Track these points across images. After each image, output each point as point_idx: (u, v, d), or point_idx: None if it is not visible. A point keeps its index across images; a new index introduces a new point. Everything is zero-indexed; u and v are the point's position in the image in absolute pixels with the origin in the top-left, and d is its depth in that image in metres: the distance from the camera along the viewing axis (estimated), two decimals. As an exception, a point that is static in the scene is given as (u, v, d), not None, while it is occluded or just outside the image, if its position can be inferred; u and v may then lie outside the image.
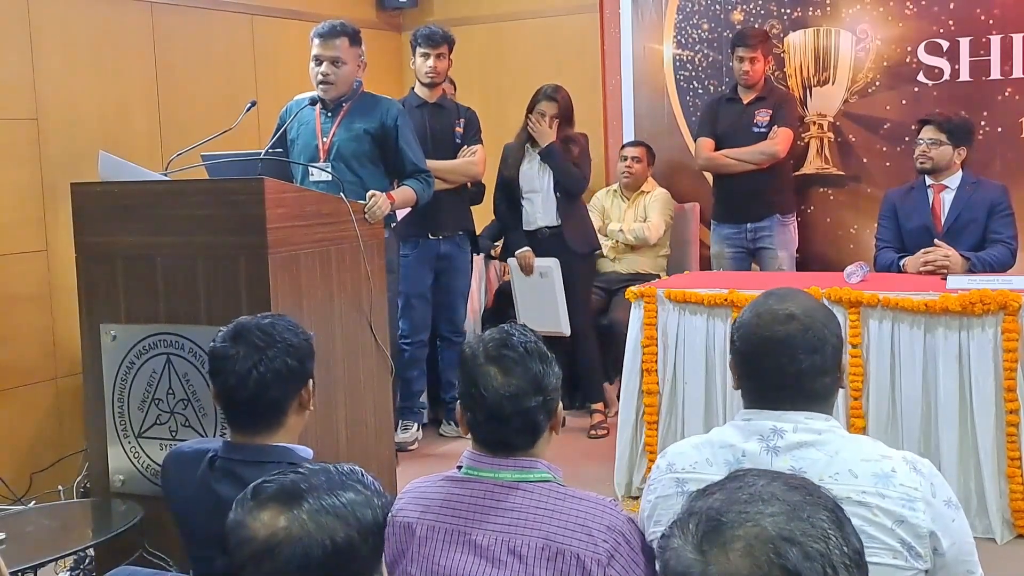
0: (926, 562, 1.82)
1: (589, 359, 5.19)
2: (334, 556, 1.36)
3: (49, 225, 4.46)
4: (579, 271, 5.18)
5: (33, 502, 4.09)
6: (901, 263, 4.39)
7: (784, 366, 1.90)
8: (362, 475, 1.48)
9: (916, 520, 1.80)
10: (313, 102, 4.31)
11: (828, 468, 1.84)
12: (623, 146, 5.75)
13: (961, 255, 4.24)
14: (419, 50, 5.03)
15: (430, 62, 5.01)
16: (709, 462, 1.94)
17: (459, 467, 1.99)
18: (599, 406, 5.18)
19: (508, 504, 1.90)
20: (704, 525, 1.12)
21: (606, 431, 5.02)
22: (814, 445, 1.86)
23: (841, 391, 2.16)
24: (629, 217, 5.59)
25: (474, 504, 1.92)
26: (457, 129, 5.11)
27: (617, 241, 5.55)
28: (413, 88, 5.17)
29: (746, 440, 1.91)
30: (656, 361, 4.13)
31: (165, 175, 3.55)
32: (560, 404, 2.02)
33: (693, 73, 5.81)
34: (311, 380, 2.28)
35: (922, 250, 4.34)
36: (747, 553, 1.09)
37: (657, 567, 1.15)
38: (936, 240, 4.34)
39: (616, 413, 4.64)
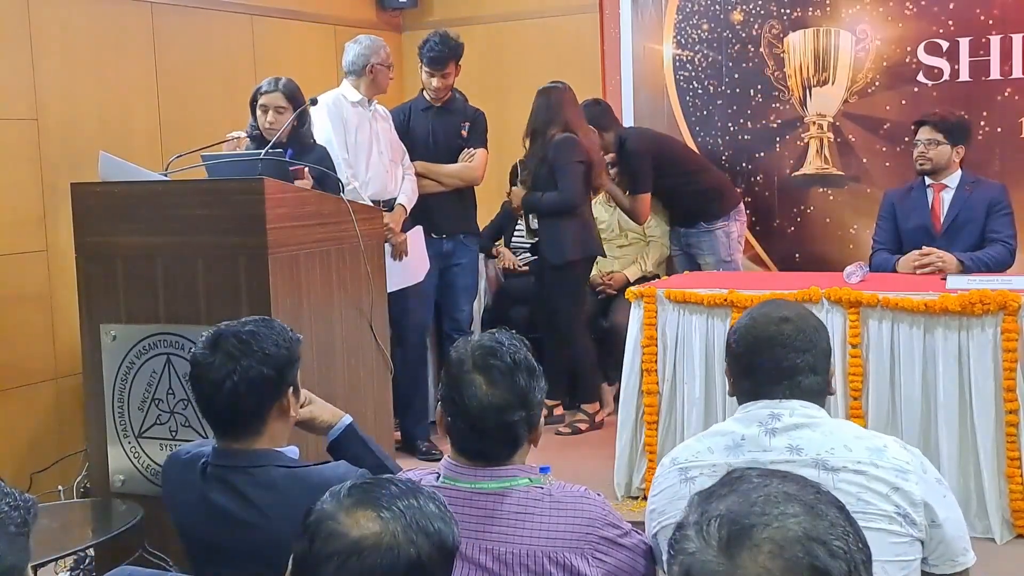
0: (920, 531, 1.90)
1: (582, 363, 5.15)
2: (415, 570, 1.37)
3: (49, 225, 4.46)
4: (551, 280, 5.07)
5: (33, 502, 4.08)
6: (895, 266, 4.39)
7: (779, 361, 2.03)
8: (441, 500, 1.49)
9: (910, 488, 1.90)
10: (313, 102, 4.35)
11: (824, 444, 1.95)
12: None
13: (956, 257, 4.23)
14: (424, 68, 5.02)
15: (435, 82, 5.00)
16: (710, 450, 2.04)
17: (437, 475, 1.98)
18: (591, 407, 5.18)
19: (488, 511, 1.89)
20: (727, 529, 1.11)
21: (578, 432, 5.06)
22: (809, 426, 1.98)
23: (840, 392, 2.22)
24: (616, 219, 5.63)
25: (453, 513, 1.92)
26: (462, 132, 5.12)
27: (626, 234, 5.57)
28: (422, 91, 5.17)
29: (746, 427, 2.02)
30: (656, 361, 4.13)
31: (165, 175, 3.55)
32: (542, 419, 2.00)
33: (693, 73, 5.81)
34: (292, 387, 2.23)
35: (915, 251, 4.33)
36: (777, 555, 1.08)
37: (675, 572, 1.13)
38: (924, 247, 4.33)
39: (610, 413, 4.63)
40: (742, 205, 5.45)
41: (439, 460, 4.70)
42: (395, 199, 4.74)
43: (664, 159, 5.33)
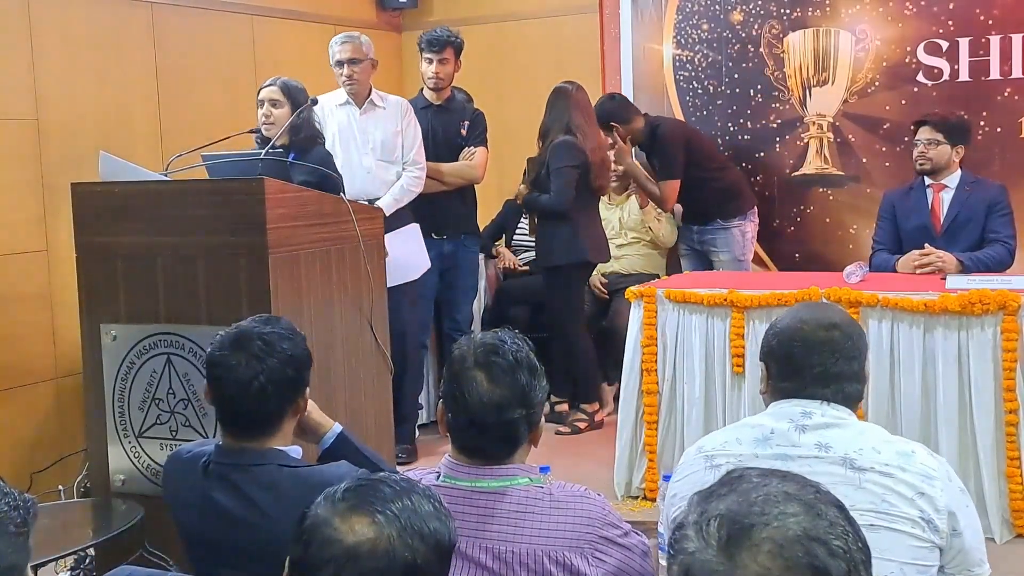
0: (942, 538, 1.92)
1: (581, 363, 5.15)
2: (411, 574, 1.37)
3: (49, 225, 4.46)
4: (546, 281, 5.13)
5: (33, 502, 4.08)
6: (894, 266, 4.39)
7: (828, 366, 2.05)
8: (439, 499, 1.48)
9: (935, 495, 1.92)
10: (314, 102, 4.34)
11: (853, 444, 1.97)
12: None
13: (956, 257, 4.23)
14: (423, 54, 5.06)
15: (433, 67, 5.03)
16: (739, 440, 2.07)
17: (437, 474, 1.98)
18: (591, 407, 5.18)
19: (487, 510, 1.90)
20: (727, 528, 1.11)
21: (578, 432, 5.06)
22: (839, 426, 2.01)
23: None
24: (617, 216, 5.63)
25: (453, 512, 1.92)
26: (462, 131, 5.13)
27: (626, 233, 5.58)
28: (422, 90, 5.19)
29: (776, 422, 2.05)
30: (656, 361, 4.13)
31: (165, 175, 3.55)
32: (542, 418, 2.01)
33: (693, 73, 5.81)
34: (307, 388, 2.28)
35: (915, 251, 4.33)
36: (776, 554, 1.09)
37: (674, 571, 1.14)
38: (927, 246, 4.33)
39: (610, 413, 4.62)
40: (756, 207, 5.45)
41: (409, 463, 4.74)
42: (377, 199, 4.61)
43: (694, 150, 5.35)
